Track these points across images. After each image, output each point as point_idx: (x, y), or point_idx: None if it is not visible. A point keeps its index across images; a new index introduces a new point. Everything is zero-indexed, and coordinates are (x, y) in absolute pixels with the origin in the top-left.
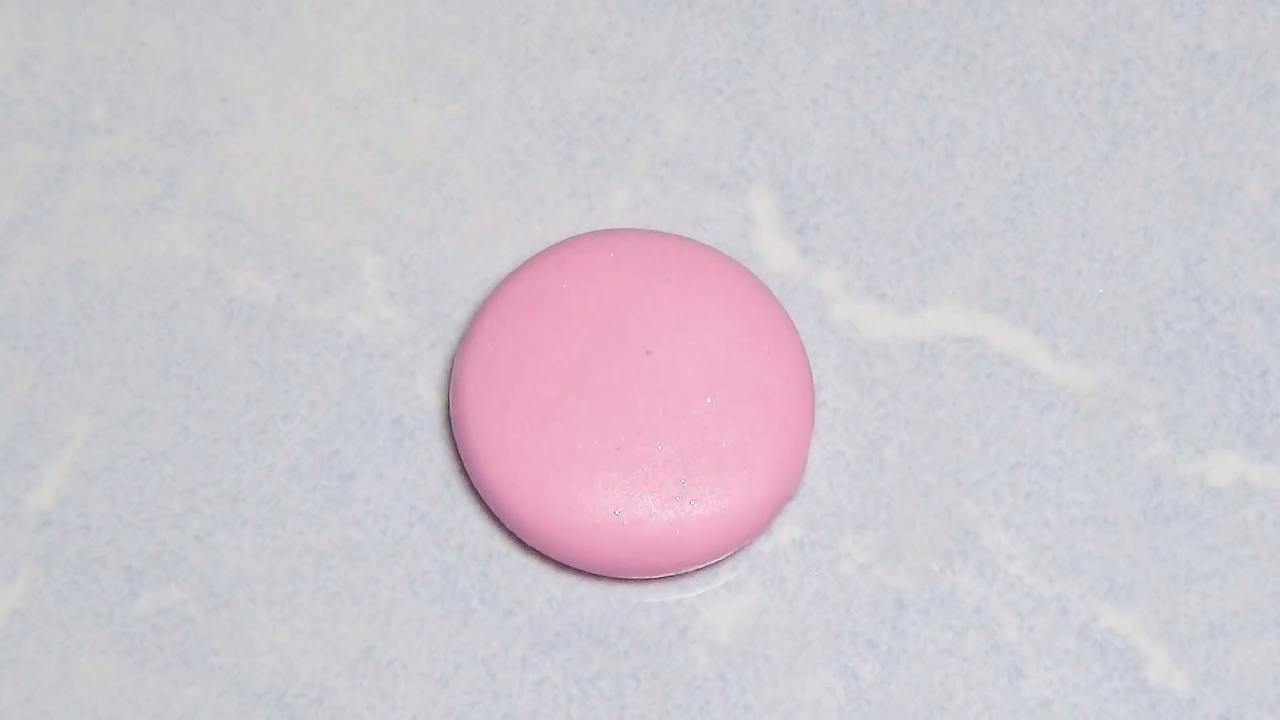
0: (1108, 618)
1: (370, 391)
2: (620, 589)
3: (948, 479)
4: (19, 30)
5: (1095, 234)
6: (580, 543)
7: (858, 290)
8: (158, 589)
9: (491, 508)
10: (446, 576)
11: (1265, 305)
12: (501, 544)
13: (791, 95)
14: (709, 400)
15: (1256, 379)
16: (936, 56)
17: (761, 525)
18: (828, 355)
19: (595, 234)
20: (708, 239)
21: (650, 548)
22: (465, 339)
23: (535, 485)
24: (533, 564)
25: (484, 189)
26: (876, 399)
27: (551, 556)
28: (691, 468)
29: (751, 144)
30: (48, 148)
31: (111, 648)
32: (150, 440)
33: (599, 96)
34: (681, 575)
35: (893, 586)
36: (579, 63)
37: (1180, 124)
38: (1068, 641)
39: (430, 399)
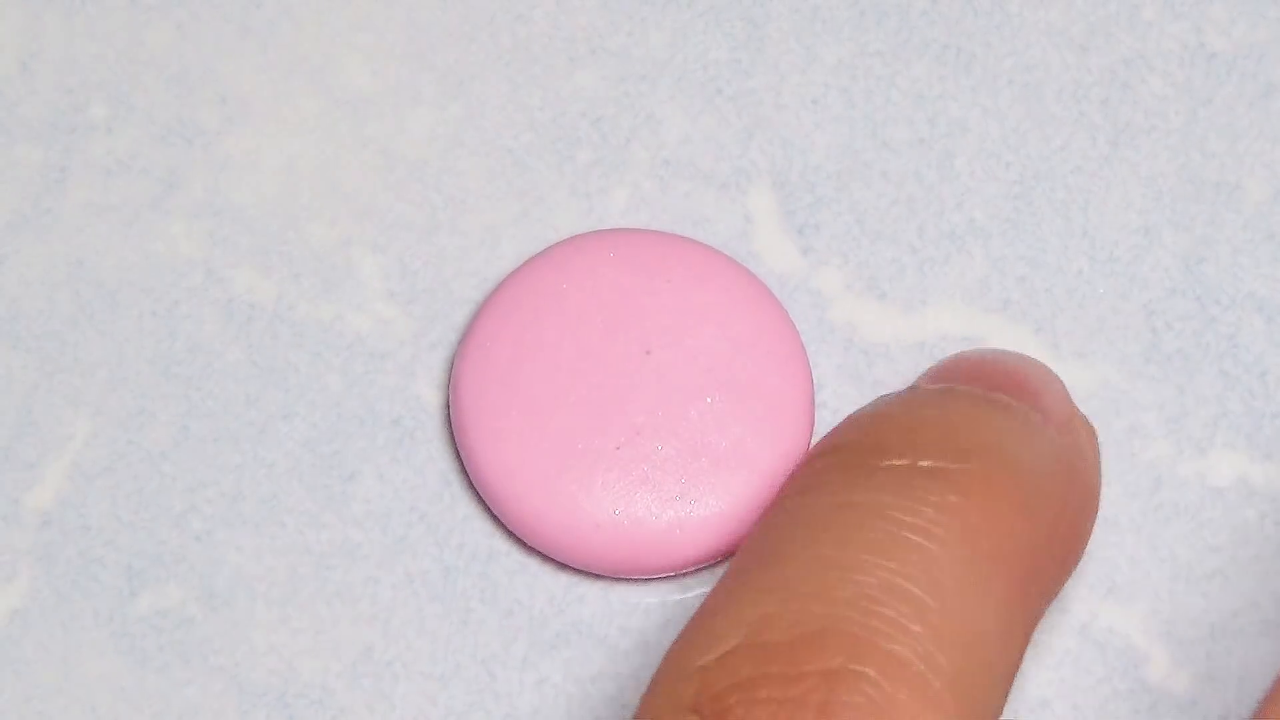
0: (1108, 618)
1: (370, 391)
2: (620, 589)
3: None
4: (19, 30)
5: (1095, 234)
6: (580, 543)
7: (858, 290)
8: (158, 589)
9: (491, 508)
10: (446, 576)
11: (1265, 305)
12: (501, 544)
13: (791, 95)
14: (709, 400)
15: (1256, 379)
16: (936, 56)
17: None
18: (828, 355)
19: (595, 234)
20: (708, 239)
21: (650, 548)
22: (465, 339)
23: (535, 485)
24: (533, 564)
25: (484, 189)
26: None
27: (551, 556)
28: (691, 468)
29: (751, 144)
30: (48, 148)
31: (111, 648)
32: (150, 440)
33: (599, 96)
34: (681, 575)
35: None
36: (579, 63)
37: (1180, 124)
38: (1068, 641)
39: (430, 399)
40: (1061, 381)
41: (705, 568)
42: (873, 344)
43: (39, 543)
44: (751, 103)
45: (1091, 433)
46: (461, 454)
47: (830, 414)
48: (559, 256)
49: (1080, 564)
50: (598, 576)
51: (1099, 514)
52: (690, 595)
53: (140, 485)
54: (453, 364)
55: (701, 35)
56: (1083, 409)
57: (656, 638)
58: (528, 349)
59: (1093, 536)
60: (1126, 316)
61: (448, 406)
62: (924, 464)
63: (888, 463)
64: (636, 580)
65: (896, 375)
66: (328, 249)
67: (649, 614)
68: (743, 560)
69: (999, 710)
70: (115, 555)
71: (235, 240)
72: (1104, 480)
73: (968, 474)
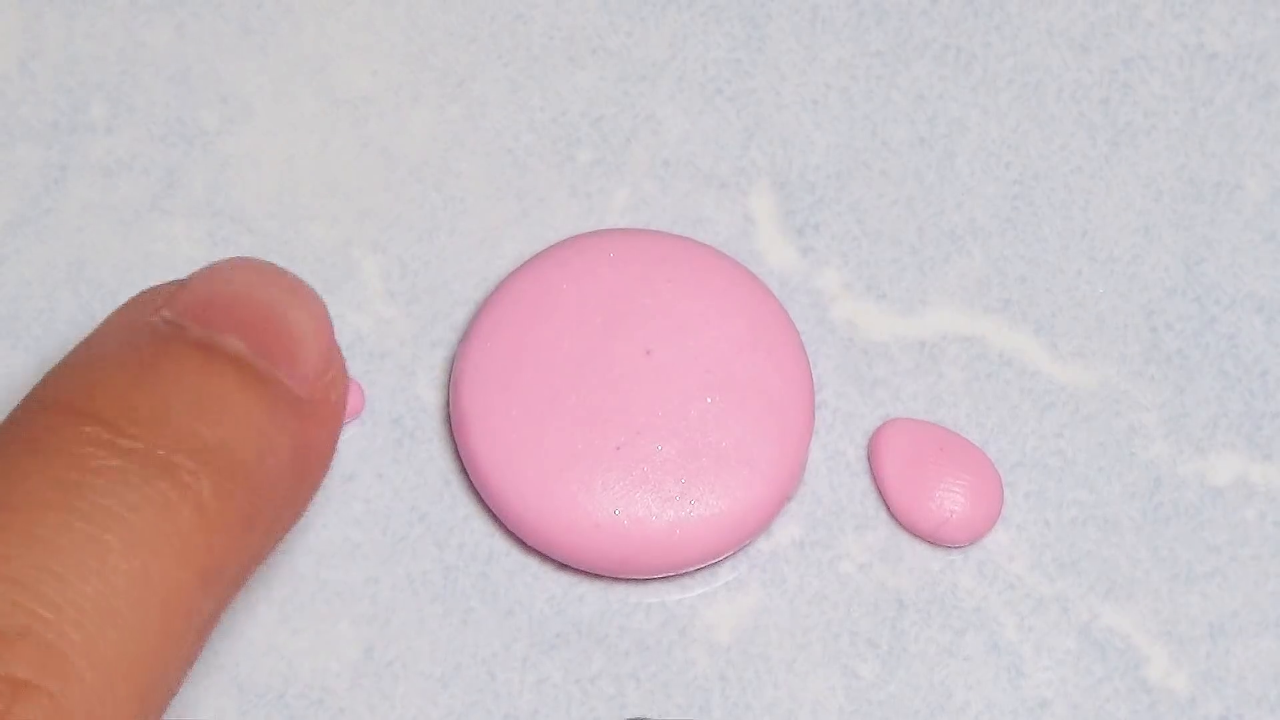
0: (1108, 618)
1: (370, 391)
2: (620, 589)
3: None
4: (19, 30)
5: (1095, 234)
6: (580, 543)
7: (858, 290)
8: None
9: (491, 508)
10: (446, 576)
11: (1265, 305)
12: (501, 544)
13: (791, 95)
14: (709, 400)
15: (1256, 379)
16: (936, 56)
17: (761, 525)
18: (828, 355)
19: (595, 234)
20: (708, 239)
21: (650, 548)
22: (465, 339)
23: (535, 485)
24: (533, 564)
25: (484, 189)
26: (876, 399)
27: (551, 556)
28: (691, 468)
29: (751, 144)
30: (48, 148)
31: None
32: None
33: (599, 96)
34: (681, 575)
35: (893, 586)
36: (579, 63)
37: (1180, 124)
38: (1068, 641)
39: (430, 399)
40: (324, 328)
41: (705, 567)
42: (873, 344)
43: None
44: (751, 103)
45: (338, 399)
46: (461, 454)
47: (830, 414)
48: (559, 256)
49: (1080, 564)
50: (598, 576)
51: (1099, 514)
52: (690, 595)
53: None
54: (453, 364)
55: (701, 35)
56: (1082, 409)
57: (656, 638)
58: (528, 349)
59: (1093, 536)
60: (1126, 316)
61: (448, 406)
62: (165, 456)
63: (131, 443)
64: (636, 580)
65: (896, 375)
66: (328, 249)
67: (649, 614)
68: None
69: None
70: None
71: (235, 240)
72: (1104, 480)
73: (203, 480)
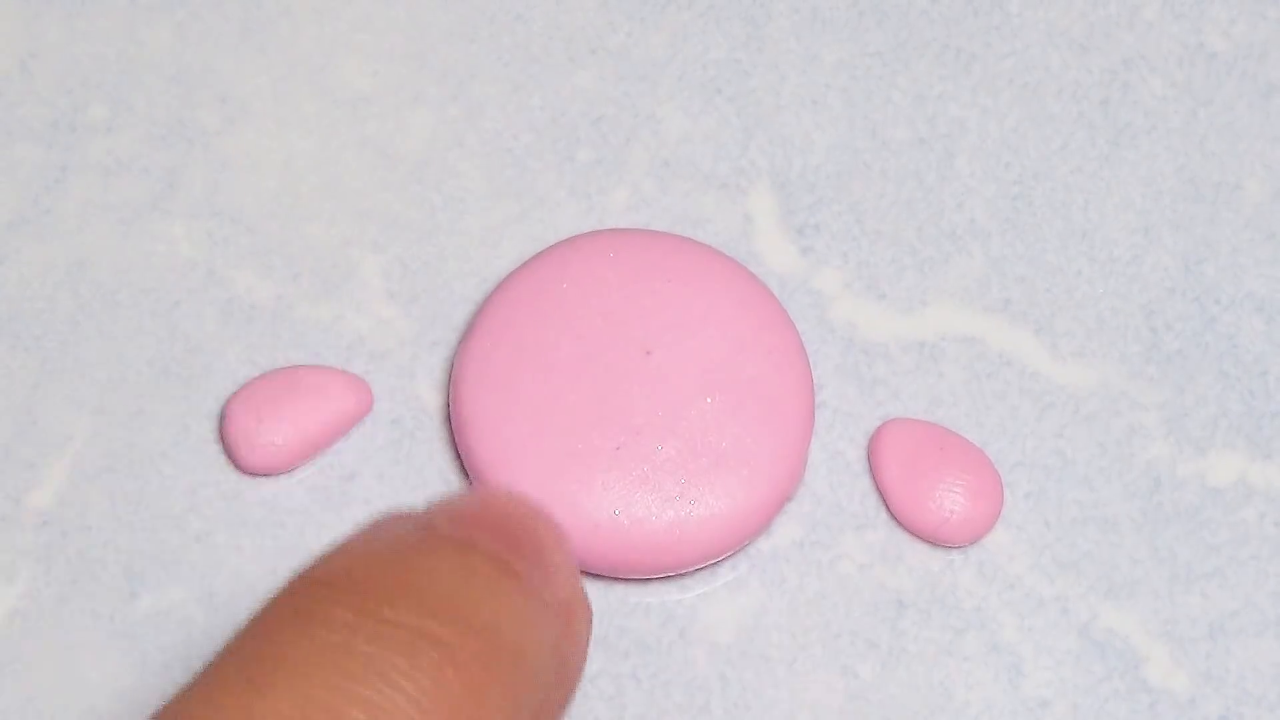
0: (1108, 618)
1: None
2: (620, 589)
3: None
4: (19, 30)
5: (1095, 234)
6: (580, 543)
7: (858, 290)
8: (158, 589)
9: None
10: None
11: (1265, 305)
12: None
13: (791, 95)
14: (709, 400)
15: (1256, 379)
16: (936, 56)
17: (761, 525)
18: (828, 355)
19: (595, 234)
20: (708, 239)
21: (650, 548)
22: (465, 339)
23: (535, 485)
24: None
25: (484, 189)
26: (876, 399)
27: None
28: (691, 468)
29: (751, 144)
30: (48, 148)
31: (111, 648)
32: (150, 440)
33: (599, 96)
34: (681, 575)
35: (893, 586)
36: (579, 63)
37: (1180, 124)
38: (1068, 641)
39: (430, 399)
40: (569, 553)
41: (705, 567)
42: (873, 344)
43: (39, 543)
44: (751, 103)
45: (587, 617)
46: (461, 454)
47: (830, 414)
48: (559, 256)
49: (1080, 564)
50: (598, 576)
51: (1099, 514)
52: (690, 595)
53: (140, 485)
54: (453, 364)
55: (701, 35)
56: (1082, 409)
57: (656, 638)
58: (528, 349)
59: (1093, 536)
60: (1126, 316)
61: (448, 406)
62: (431, 628)
63: (395, 616)
64: (636, 580)
65: (896, 375)
66: (328, 249)
67: (649, 614)
68: (228, 668)
69: None
70: (115, 555)
71: (235, 240)
72: (1104, 480)
73: (471, 653)
